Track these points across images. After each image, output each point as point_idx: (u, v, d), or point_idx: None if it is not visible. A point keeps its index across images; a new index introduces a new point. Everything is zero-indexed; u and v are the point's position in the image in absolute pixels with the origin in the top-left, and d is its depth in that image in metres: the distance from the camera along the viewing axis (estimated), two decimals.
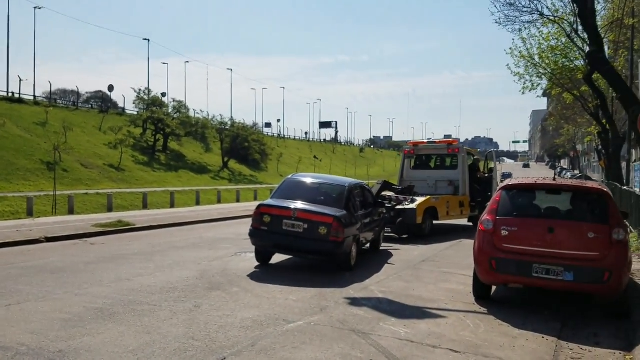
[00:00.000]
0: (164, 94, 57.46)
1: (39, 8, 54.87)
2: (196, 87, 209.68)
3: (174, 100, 53.86)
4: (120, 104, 58.14)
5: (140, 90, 51.39)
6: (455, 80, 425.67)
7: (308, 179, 10.87)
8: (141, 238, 13.85)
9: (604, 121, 25.78)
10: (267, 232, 9.37)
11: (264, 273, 9.22)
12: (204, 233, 15.29)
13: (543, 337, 6.02)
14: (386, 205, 13.40)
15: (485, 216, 7.28)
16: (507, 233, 6.97)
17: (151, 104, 49.93)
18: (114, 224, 15.76)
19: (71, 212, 21.73)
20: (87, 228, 14.99)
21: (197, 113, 54.49)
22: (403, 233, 14.40)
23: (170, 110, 51.74)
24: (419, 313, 6.85)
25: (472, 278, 8.73)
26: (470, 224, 17.23)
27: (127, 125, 46.44)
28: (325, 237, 8.96)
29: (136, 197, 28.84)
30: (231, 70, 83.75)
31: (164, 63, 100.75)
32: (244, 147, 54.06)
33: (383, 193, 14.53)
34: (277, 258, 10.28)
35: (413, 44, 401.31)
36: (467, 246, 13.30)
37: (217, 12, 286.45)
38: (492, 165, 19.14)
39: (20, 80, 46.50)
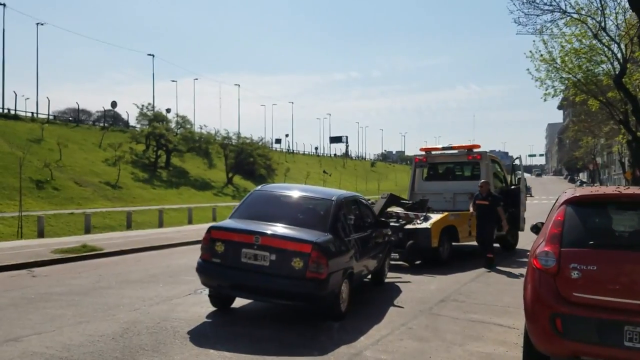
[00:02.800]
0: (168, 110, 55.64)
1: (41, 24, 53.62)
2: (208, 106, 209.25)
3: (177, 116, 52.06)
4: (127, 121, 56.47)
5: (143, 105, 49.93)
6: (469, 94, 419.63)
7: (281, 192, 8.10)
8: (98, 267, 11.45)
9: (634, 128, 23.08)
10: (221, 266, 6.61)
11: (214, 327, 6.52)
12: (177, 259, 12.76)
13: None
14: (392, 224, 10.74)
15: (542, 247, 4.55)
16: (579, 275, 4.28)
17: (153, 119, 48.05)
18: (76, 249, 13.49)
19: (41, 234, 19.32)
20: (44, 254, 12.72)
21: (201, 128, 52.61)
22: (415, 259, 11.61)
23: (173, 126, 49.92)
24: None
25: (513, 330, 6.15)
26: (497, 245, 14.32)
27: (128, 142, 44.63)
28: (301, 272, 6.22)
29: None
30: (238, 85, 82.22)
31: (173, 81, 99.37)
32: (249, 162, 52.24)
33: (389, 209, 11.85)
34: (241, 299, 7.63)
35: (425, 59, 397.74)
36: (498, 277, 10.55)
37: (231, 32, 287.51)
38: (519, 175, 16.12)
39: (16, 95, 45.05)
